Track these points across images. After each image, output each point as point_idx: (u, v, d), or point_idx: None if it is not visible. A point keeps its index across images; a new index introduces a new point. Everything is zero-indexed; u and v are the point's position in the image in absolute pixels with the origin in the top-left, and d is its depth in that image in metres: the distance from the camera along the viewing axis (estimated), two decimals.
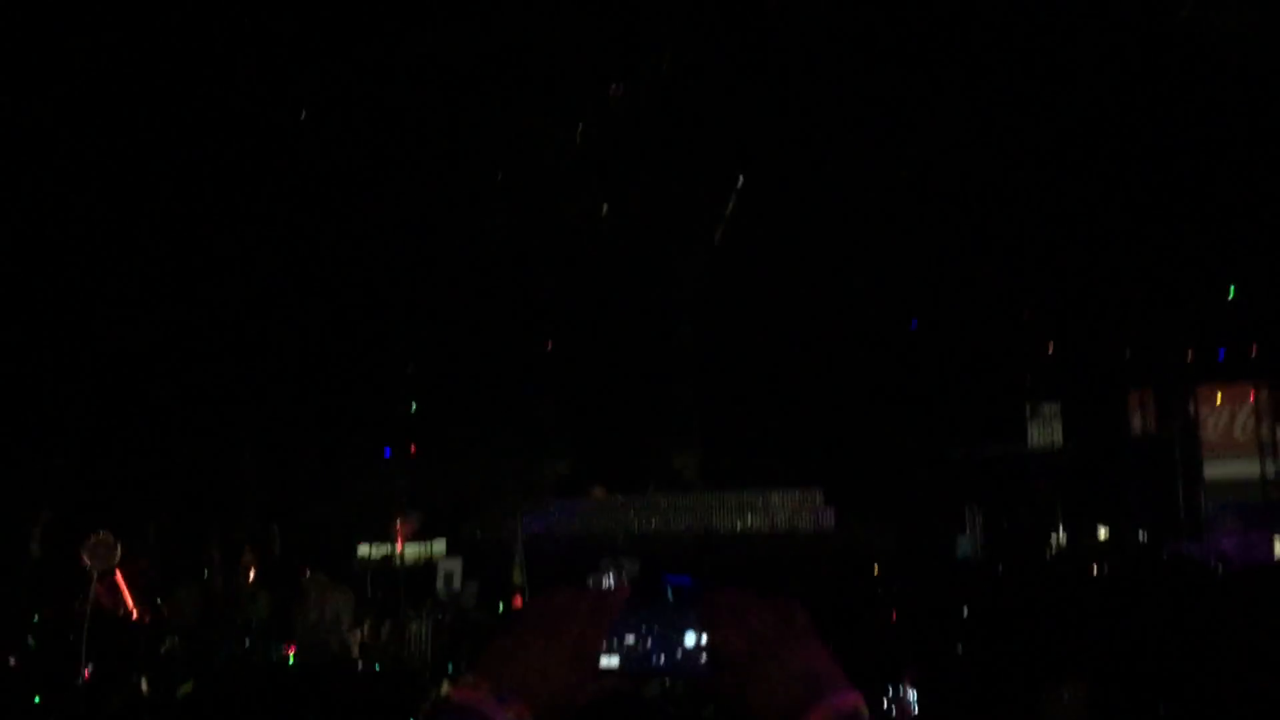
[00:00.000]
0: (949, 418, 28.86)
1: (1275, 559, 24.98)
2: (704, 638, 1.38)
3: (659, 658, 1.38)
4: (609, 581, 20.26)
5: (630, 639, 1.41)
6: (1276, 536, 25.45)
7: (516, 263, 31.52)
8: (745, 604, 1.42)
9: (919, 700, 10.12)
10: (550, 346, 32.99)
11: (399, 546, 20.25)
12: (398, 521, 20.66)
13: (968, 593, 18.81)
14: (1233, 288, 26.19)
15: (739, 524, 29.56)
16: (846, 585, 20.76)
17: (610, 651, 1.39)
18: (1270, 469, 26.22)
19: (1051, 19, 21.58)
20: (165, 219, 25.81)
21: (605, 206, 32.04)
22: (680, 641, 1.39)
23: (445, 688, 11.44)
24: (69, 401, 25.65)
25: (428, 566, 23.47)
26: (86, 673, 11.92)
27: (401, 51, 23.95)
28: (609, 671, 1.39)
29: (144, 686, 10.78)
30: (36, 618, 17.66)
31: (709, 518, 29.41)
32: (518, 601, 18.78)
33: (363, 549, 27.89)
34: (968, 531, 27.31)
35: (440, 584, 19.51)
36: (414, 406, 31.80)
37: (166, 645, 14.50)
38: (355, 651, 14.55)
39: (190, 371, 27.21)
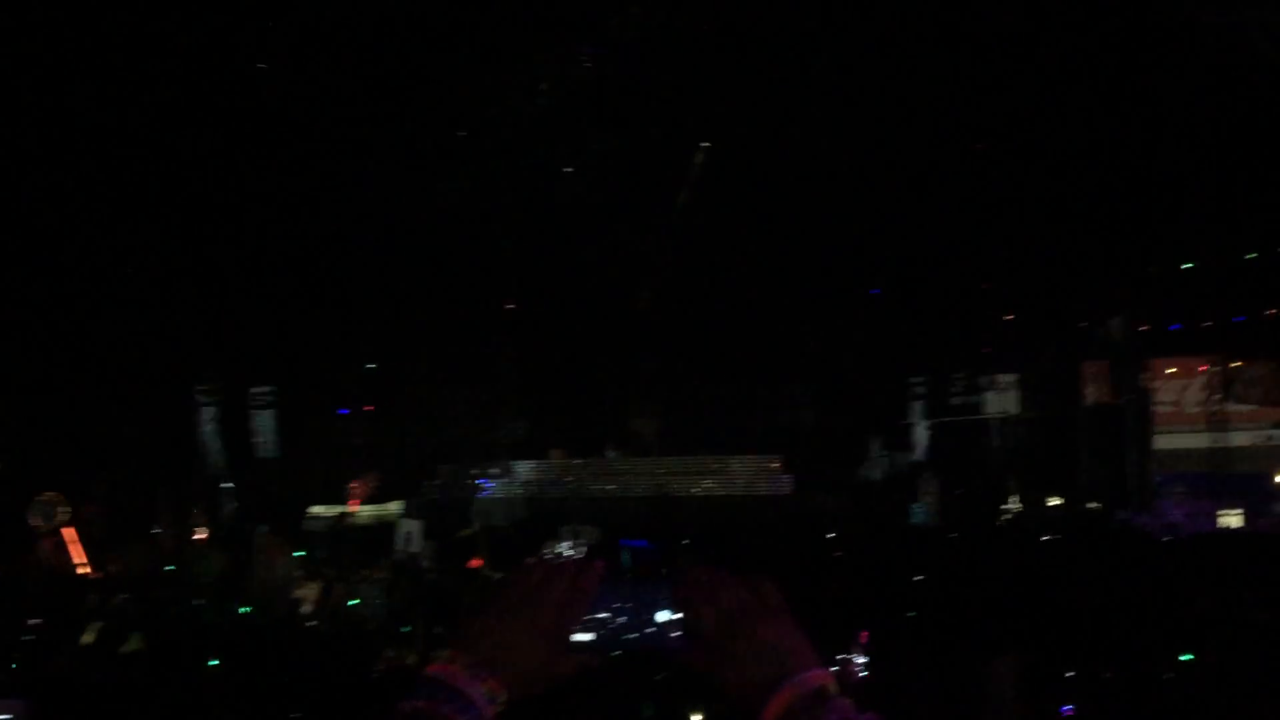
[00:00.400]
0: (906, 386, 29.10)
1: (1220, 529, 25.50)
2: (677, 615, 1.38)
3: (632, 634, 1.39)
4: (568, 548, 20.31)
5: (604, 615, 1.41)
6: (1221, 508, 25.97)
7: (478, 222, 31.29)
8: (717, 582, 1.43)
9: (869, 664, 10.23)
10: (511, 307, 32.86)
11: (354, 506, 20.16)
12: (353, 482, 20.56)
13: (921, 559, 19.05)
14: (1187, 263, 26.52)
15: (697, 489, 29.73)
16: (802, 550, 20.94)
17: (585, 627, 1.39)
18: (1218, 441, 26.66)
19: None
20: (114, 172, 25.33)
21: (568, 169, 31.87)
22: (653, 618, 1.40)
23: (396, 651, 11.42)
24: (15, 357, 25.21)
25: (384, 526, 23.39)
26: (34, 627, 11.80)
27: (363, 6, 23.58)
28: (583, 646, 1.39)
29: (91, 640, 10.68)
30: None
31: (667, 482, 29.53)
32: (477, 563, 18.74)
33: (316, 508, 27.77)
34: (922, 498, 27.62)
35: (400, 544, 19.45)
36: (373, 365, 31.64)
37: (116, 601, 14.36)
38: (307, 610, 14.50)
39: (140, 326, 26.81)
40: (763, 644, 1.38)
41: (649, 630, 1.41)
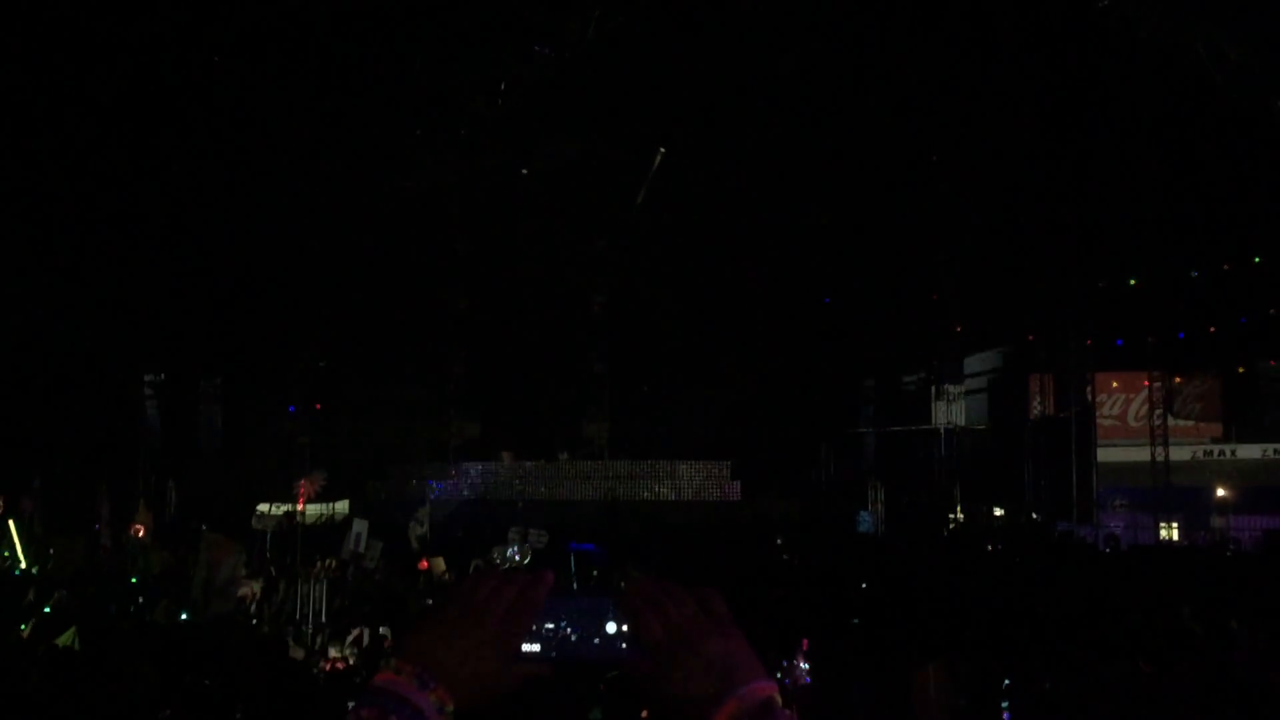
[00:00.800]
0: (855, 395, 29.34)
1: (1159, 541, 25.96)
2: (624, 626, 1.39)
3: (580, 645, 1.40)
4: (514, 551, 20.22)
5: (552, 626, 1.41)
6: (1161, 520, 26.45)
7: (431, 222, 31.14)
8: (665, 593, 1.43)
9: (812, 669, 10.29)
10: (464, 307, 32.75)
11: (300, 506, 19.95)
12: (300, 481, 20.35)
13: (867, 566, 19.20)
14: (1132, 279, 26.98)
15: (647, 493, 29.77)
16: (750, 556, 21.03)
17: (533, 638, 1.40)
18: (1160, 454, 27.16)
19: (971, 5, 21.88)
20: (67, 166, 24.93)
21: (524, 171, 31.82)
22: (601, 629, 1.41)
23: (340, 651, 11.32)
24: None
25: (330, 526, 23.17)
26: None
27: (322, 4, 23.37)
28: (531, 656, 1.39)
29: (24, 634, 10.48)
30: None
31: (616, 486, 29.54)
32: (423, 564, 18.60)
33: (262, 506, 27.46)
34: (869, 506, 27.87)
35: (349, 544, 19.27)
36: (323, 363, 31.36)
37: (55, 597, 14.11)
38: (250, 610, 14.32)
39: (84, 319, 26.39)
40: (709, 656, 1.38)
41: (596, 641, 1.42)
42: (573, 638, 1.43)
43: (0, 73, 21.56)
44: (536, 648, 1.42)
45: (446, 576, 17.61)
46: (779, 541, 23.70)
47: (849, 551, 22.85)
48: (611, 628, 1.43)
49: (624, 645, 1.41)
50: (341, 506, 27.39)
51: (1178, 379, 29.10)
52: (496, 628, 1.40)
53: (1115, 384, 29.76)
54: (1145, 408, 28.69)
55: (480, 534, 22.68)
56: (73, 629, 10.28)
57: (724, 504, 28.95)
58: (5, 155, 23.81)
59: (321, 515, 26.78)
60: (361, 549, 19.03)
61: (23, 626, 10.19)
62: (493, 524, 23.72)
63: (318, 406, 31.55)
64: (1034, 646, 11.21)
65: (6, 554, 19.54)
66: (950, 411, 29.57)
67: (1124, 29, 20.96)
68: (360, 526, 19.71)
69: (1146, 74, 22.92)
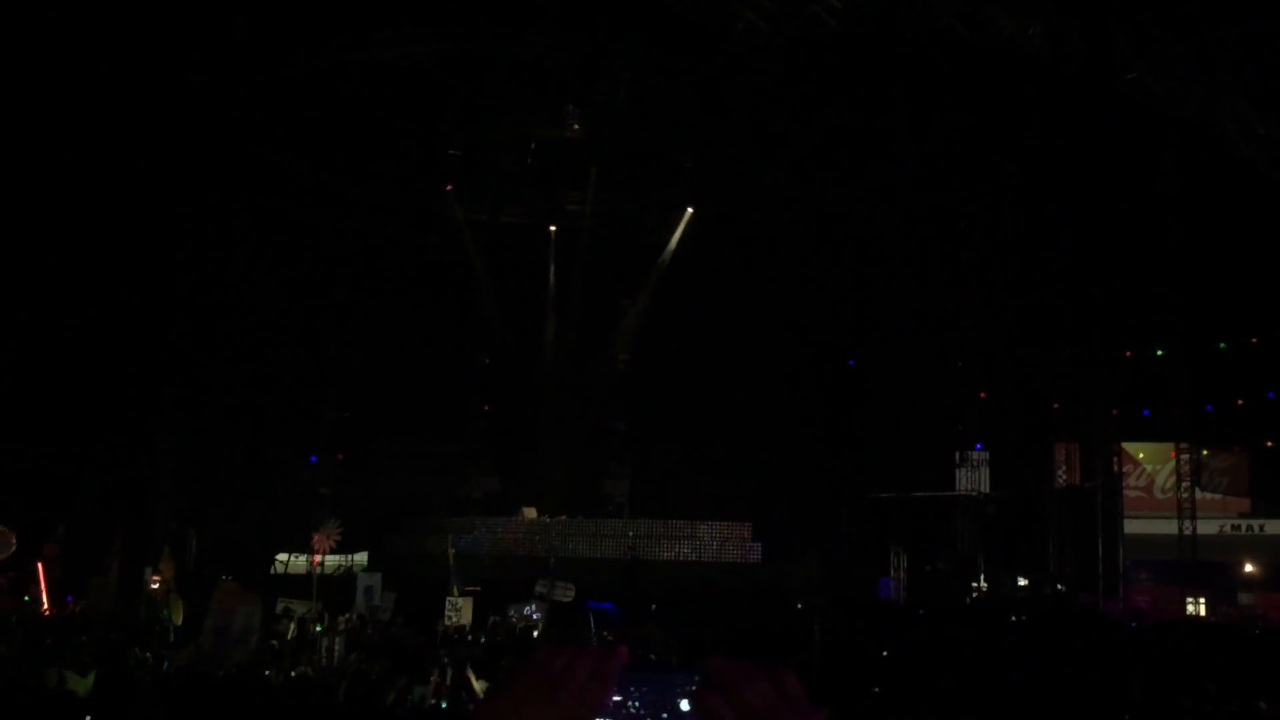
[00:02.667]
0: (878, 460, 29.14)
1: (1186, 617, 25.52)
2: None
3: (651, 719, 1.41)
4: (531, 609, 20.07)
5: (625, 702, 1.42)
6: (1187, 595, 26.01)
7: (455, 278, 31.43)
8: (739, 673, 1.43)
9: None
10: (487, 362, 32.90)
11: (315, 560, 19.95)
12: (315, 535, 20.36)
13: (889, 634, 18.95)
14: (1159, 349, 26.84)
15: (667, 552, 29.55)
16: (769, 620, 20.81)
17: (605, 712, 1.40)
18: (1187, 527, 26.79)
19: (1000, 77, 22.05)
20: (90, 225, 25.29)
21: (552, 229, 32.13)
22: (674, 707, 1.41)
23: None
24: None
25: (347, 577, 23.12)
26: None
27: (357, 57, 23.82)
28: None
29: (54, 681, 10.46)
30: None
31: (637, 545, 29.35)
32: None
33: (282, 556, 27.44)
34: (891, 573, 27.55)
35: (360, 597, 19.24)
36: (344, 414, 31.47)
37: (75, 641, 14.12)
38: (265, 660, 14.25)
39: (107, 367, 26.62)
40: None
41: (666, 717, 1.42)
42: (645, 715, 1.43)
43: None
44: None
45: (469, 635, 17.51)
46: (799, 605, 23.45)
47: (870, 618, 22.58)
48: (685, 705, 1.43)
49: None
50: (361, 558, 27.34)
51: (1205, 451, 28.78)
52: (571, 701, 1.40)
53: (1141, 455, 29.47)
54: (1172, 479, 28.35)
55: (498, 590, 22.54)
56: (92, 674, 10.26)
57: (744, 565, 28.70)
58: (34, 202, 24.21)
59: (340, 566, 26.73)
60: (375, 601, 19.00)
61: (47, 676, 10.15)
62: (509, 581, 23.59)
63: (339, 457, 31.62)
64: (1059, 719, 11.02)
65: (27, 599, 19.59)
66: (974, 478, 29.31)
67: (1150, 102, 21.08)
68: (372, 580, 19.69)
69: (1173, 145, 23.02)
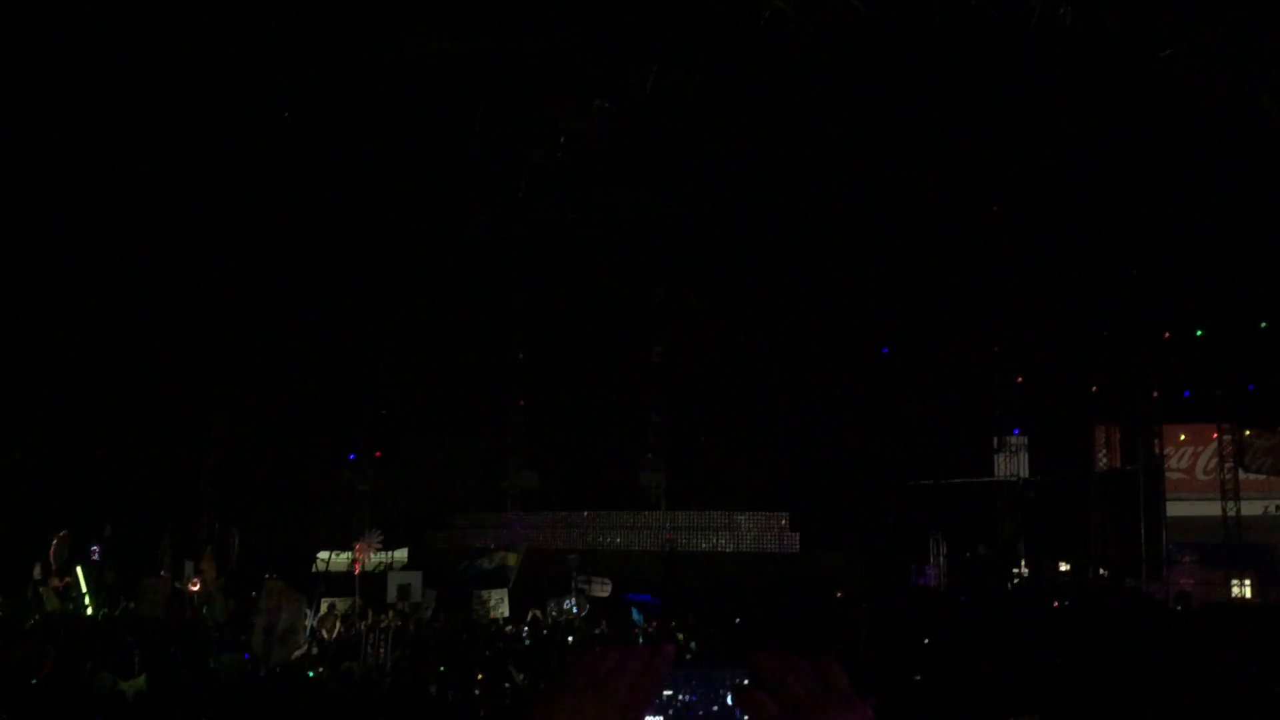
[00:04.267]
0: (916, 447, 28.98)
1: (1231, 599, 25.24)
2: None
3: (700, 716, 1.42)
4: (570, 603, 20.15)
5: (674, 698, 1.43)
6: (1232, 577, 25.73)
7: (490, 272, 31.52)
8: (785, 666, 1.43)
9: None
10: (522, 358, 32.99)
11: (357, 569, 20.11)
12: (356, 544, 20.55)
13: (929, 622, 18.88)
14: (1200, 329, 26.50)
15: (705, 543, 29.58)
16: (809, 609, 20.78)
17: (655, 710, 1.41)
18: (1231, 509, 26.47)
19: (1033, 58, 21.81)
20: (138, 222, 25.64)
21: (583, 221, 32.15)
22: (723, 701, 1.42)
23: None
24: (28, 400, 25.37)
25: (388, 574, 23.30)
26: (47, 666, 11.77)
27: (384, 56, 23.91)
28: None
29: (106, 683, 10.61)
30: None
31: (675, 537, 29.39)
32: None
33: (323, 554, 27.68)
34: (931, 560, 27.44)
35: (396, 594, 19.36)
36: (382, 412, 31.69)
37: (122, 642, 14.33)
38: (309, 657, 14.40)
39: (149, 370, 26.97)
40: None
41: (715, 709, 1.43)
42: (693, 710, 1.45)
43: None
44: (659, 719, 1.44)
45: (508, 628, 17.60)
46: (838, 595, 23.41)
47: (911, 606, 22.50)
48: (731, 700, 1.44)
49: (744, 717, 1.42)
50: (401, 555, 27.54)
51: (1247, 432, 28.40)
52: (622, 700, 1.41)
53: (1183, 436, 29.12)
54: (1214, 461, 28.02)
55: (536, 584, 22.65)
56: (143, 676, 10.41)
57: (782, 555, 28.68)
58: (80, 208, 24.54)
59: (380, 564, 26.94)
60: (416, 599, 19.11)
61: (100, 679, 10.30)
62: (548, 575, 23.69)
63: (377, 455, 31.86)
64: (1103, 707, 10.94)
65: (72, 605, 19.86)
66: (1013, 463, 29.11)
67: (1187, 78, 20.79)
68: (410, 578, 19.81)
69: (1211, 122, 22.68)
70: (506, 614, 19.04)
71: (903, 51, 22.58)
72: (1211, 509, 26.73)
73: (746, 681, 1.43)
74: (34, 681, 10.17)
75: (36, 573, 20.61)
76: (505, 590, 20.15)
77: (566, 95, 26.20)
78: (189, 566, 21.86)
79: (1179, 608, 23.41)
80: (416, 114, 26.08)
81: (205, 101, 23.21)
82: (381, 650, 13.36)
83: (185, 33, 21.31)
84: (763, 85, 24.90)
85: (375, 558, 24.68)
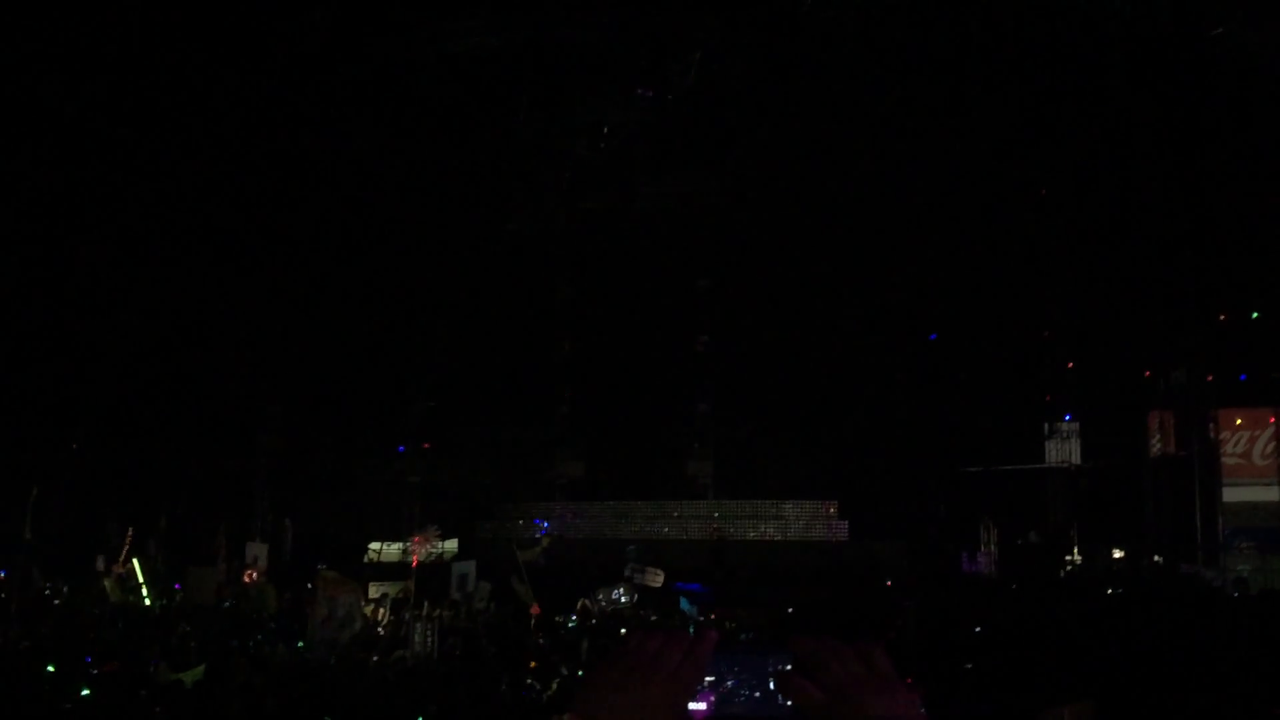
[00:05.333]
0: (966, 433, 28.72)
1: None
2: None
3: (745, 701, 1.43)
4: (619, 593, 20.20)
5: (719, 683, 1.45)
6: None
7: (536, 264, 31.64)
8: (828, 651, 1.44)
9: (924, 714, 10.06)
10: (568, 348, 33.11)
11: (414, 562, 20.29)
12: (414, 537, 20.77)
13: (981, 609, 18.73)
14: (1255, 311, 26.01)
15: (753, 532, 29.55)
16: (858, 597, 20.70)
17: (698, 696, 1.43)
18: None
19: (1083, 38, 21.51)
20: (182, 219, 26.02)
21: (628, 211, 32.14)
22: (765, 686, 1.44)
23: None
24: (85, 398, 25.87)
25: (440, 565, 23.51)
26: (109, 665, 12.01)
27: (427, 50, 24.06)
28: (697, 714, 1.42)
29: (165, 675, 10.81)
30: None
31: (723, 525, 29.38)
32: (536, 610, 18.62)
33: (375, 545, 28.00)
34: (982, 548, 27.20)
35: (454, 587, 19.49)
36: (430, 404, 31.94)
37: (180, 631, 14.58)
38: (365, 647, 14.58)
39: (204, 363, 27.39)
40: (872, 713, 1.39)
41: (759, 695, 1.45)
42: (738, 695, 1.46)
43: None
44: (703, 706, 1.45)
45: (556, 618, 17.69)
46: (888, 583, 23.28)
47: (961, 594, 22.33)
48: (774, 685, 1.45)
49: (788, 702, 1.43)
50: (450, 545, 27.77)
51: None
52: (665, 685, 1.43)
53: (1239, 420, 28.59)
54: (1271, 445, 27.51)
55: (586, 573, 22.74)
56: (201, 665, 10.59)
57: (831, 544, 28.57)
58: (125, 200, 24.94)
59: (430, 554, 27.17)
60: (470, 589, 19.22)
61: (160, 673, 10.49)
62: (598, 564, 23.78)
63: (426, 446, 32.14)
64: (1158, 694, 10.81)
65: (131, 596, 20.24)
66: (1065, 449, 28.75)
67: (1240, 57, 20.39)
68: (464, 568, 19.91)
69: (1265, 100, 22.23)
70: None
71: (951, 31, 22.35)
72: (1269, 494, 26.26)
73: (789, 666, 1.44)
74: (95, 673, 10.38)
75: (99, 564, 21.06)
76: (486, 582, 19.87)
77: (609, 85, 26.21)
78: (250, 550, 22.21)
79: (1236, 594, 23.02)
80: (460, 107, 26.21)
81: (258, 96, 23.48)
82: (430, 639, 13.49)
83: (232, 24, 21.56)
84: (806, 70, 24.75)
85: (427, 548, 24.90)
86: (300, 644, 14.12)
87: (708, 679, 1.46)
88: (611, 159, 29.19)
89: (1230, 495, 26.77)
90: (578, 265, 32.07)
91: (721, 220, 30.20)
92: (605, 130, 28.30)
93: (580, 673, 11.76)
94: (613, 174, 29.88)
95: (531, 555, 23.83)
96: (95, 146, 23.28)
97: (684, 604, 17.67)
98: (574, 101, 27.07)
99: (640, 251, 31.04)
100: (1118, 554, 27.00)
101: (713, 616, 17.49)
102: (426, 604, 17.11)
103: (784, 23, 22.36)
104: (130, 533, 20.39)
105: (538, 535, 23.89)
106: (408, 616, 15.15)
